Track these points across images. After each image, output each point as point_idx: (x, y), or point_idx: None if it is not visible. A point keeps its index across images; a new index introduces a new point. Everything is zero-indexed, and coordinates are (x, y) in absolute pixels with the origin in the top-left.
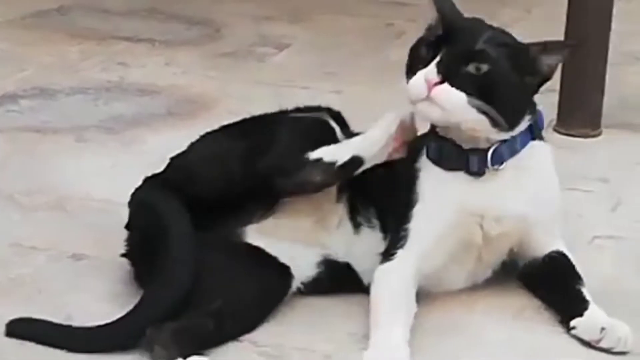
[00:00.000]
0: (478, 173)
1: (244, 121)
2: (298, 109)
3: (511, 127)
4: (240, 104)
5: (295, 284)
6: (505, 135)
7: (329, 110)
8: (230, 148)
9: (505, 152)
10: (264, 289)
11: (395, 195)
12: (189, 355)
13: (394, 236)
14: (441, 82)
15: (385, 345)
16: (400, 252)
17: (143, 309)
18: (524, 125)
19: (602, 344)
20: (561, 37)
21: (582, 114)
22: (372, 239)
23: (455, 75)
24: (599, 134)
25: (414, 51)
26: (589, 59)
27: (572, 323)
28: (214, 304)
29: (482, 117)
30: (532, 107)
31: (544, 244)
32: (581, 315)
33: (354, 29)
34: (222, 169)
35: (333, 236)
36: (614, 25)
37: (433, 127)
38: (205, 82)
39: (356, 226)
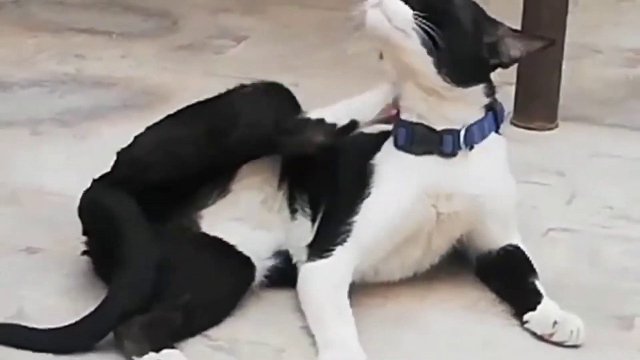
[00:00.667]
0: (451, 154)
1: (189, 107)
2: (243, 85)
3: (456, 81)
4: (197, 96)
5: (258, 276)
6: (462, 111)
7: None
8: (183, 133)
9: (476, 133)
10: (229, 281)
11: (337, 189)
12: (160, 349)
13: (333, 230)
14: None
15: (339, 345)
16: (338, 249)
17: (109, 307)
18: (477, 97)
19: (554, 338)
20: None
21: (539, 107)
22: (305, 226)
23: None
24: (556, 127)
25: None
26: (546, 51)
27: (525, 317)
28: (182, 298)
29: (425, 51)
30: (487, 83)
31: (498, 237)
32: (534, 309)
33: (312, 21)
34: (171, 154)
35: (275, 219)
36: (571, 18)
37: (398, 114)
38: (162, 74)
39: (293, 212)
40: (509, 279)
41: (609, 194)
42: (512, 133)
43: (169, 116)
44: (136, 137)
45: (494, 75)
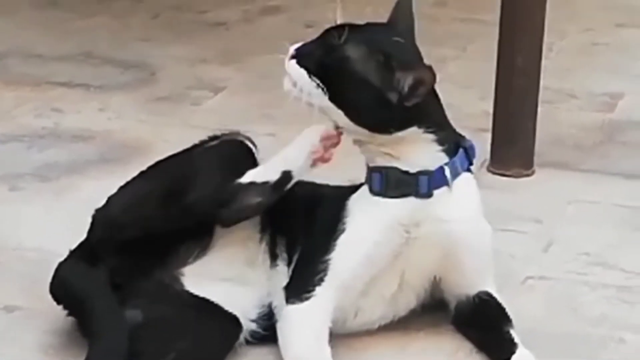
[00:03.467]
0: (427, 194)
1: (159, 162)
2: (214, 137)
3: (377, 128)
4: (175, 149)
5: (244, 334)
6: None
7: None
8: (147, 191)
9: (449, 172)
10: (215, 339)
11: (313, 232)
12: None
13: (309, 271)
14: (293, 58)
15: None
16: (317, 290)
17: None
18: (418, 137)
19: None
20: (492, 77)
21: (515, 153)
22: (284, 272)
23: (305, 55)
24: (533, 173)
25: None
26: (521, 97)
27: None
28: (168, 356)
29: (334, 105)
30: (417, 118)
31: (473, 280)
32: (508, 358)
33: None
34: (139, 214)
35: (259, 274)
36: (545, 63)
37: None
38: (140, 127)
39: (273, 259)
40: (485, 328)
41: (585, 241)
42: (489, 180)
43: (140, 173)
44: (109, 198)
45: (469, 121)
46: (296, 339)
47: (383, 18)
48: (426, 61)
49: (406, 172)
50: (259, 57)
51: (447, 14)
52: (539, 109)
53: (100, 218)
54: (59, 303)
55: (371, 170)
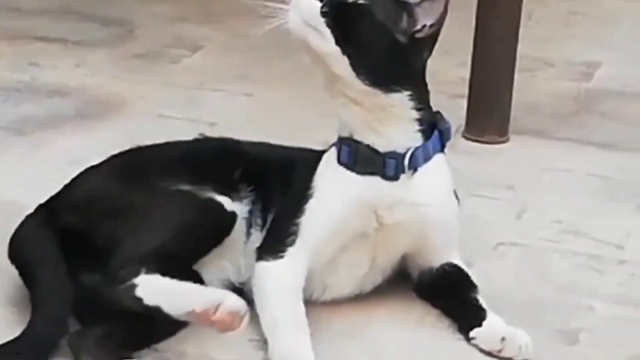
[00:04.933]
0: (394, 177)
1: (128, 157)
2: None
3: (376, 82)
4: (151, 106)
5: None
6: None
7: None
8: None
9: (420, 157)
10: None
11: (289, 195)
12: None
13: (282, 231)
14: None
15: (293, 354)
16: (290, 250)
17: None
18: (404, 108)
19: (503, 354)
20: (470, 45)
21: (490, 120)
22: (258, 236)
23: None
24: (507, 140)
25: None
26: (498, 65)
27: (472, 334)
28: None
29: (339, 51)
30: (412, 88)
31: (440, 254)
32: (480, 325)
33: (269, 32)
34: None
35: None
36: (524, 31)
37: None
38: (117, 84)
39: (248, 229)
40: (449, 295)
41: (558, 209)
42: (463, 146)
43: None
44: (77, 178)
45: (446, 87)
46: (272, 293)
47: None
48: None
49: (376, 151)
50: (238, 17)
51: None
52: (516, 77)
53: (68, 198)
54: (14, 262)
55: (342, 140)
